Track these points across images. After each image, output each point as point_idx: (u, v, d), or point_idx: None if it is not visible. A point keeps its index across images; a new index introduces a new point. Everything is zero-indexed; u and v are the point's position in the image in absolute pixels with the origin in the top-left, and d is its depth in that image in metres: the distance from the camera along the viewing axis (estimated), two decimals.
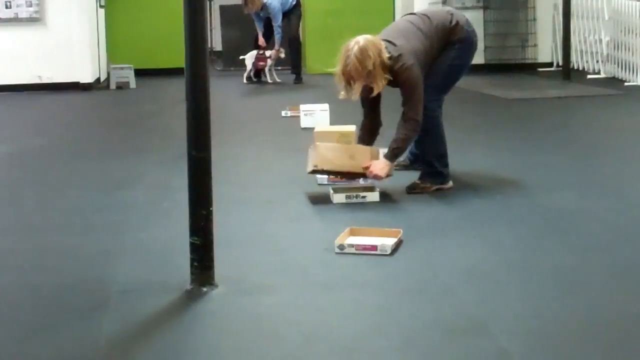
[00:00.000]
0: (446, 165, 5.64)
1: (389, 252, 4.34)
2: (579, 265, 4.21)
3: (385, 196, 5.47)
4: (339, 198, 5.39)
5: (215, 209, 3.91)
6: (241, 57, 12.47)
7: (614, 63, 12.15)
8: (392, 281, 4.04)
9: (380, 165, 5.40)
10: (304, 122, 8.25)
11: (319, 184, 5.84)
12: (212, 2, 14.99)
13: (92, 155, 7.36)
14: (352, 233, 4.62)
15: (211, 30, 14.36)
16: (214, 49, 14.99)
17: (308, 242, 4.63)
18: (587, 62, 12.83)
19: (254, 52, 12.33)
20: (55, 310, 3.73)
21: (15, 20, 11.79)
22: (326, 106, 8.33)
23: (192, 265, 3.89)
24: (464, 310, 3.63)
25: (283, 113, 9.21)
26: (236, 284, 3.96)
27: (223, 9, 14.81)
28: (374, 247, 4.36)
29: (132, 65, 12.35)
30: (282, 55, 12.35)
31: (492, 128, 8.52)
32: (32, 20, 11.81)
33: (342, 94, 5.44)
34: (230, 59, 14.18)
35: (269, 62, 12.34)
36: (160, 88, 12.12)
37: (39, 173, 6.75)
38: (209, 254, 3.89)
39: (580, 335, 3.40)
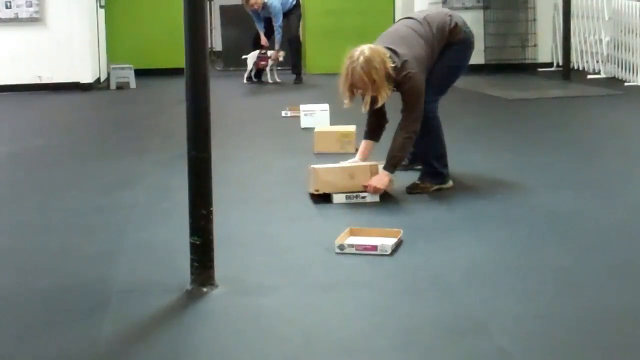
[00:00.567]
0: (445, 165, 5.64)
1: (389, 252, 4.34)
2: (579, 265, 4.21)
3: (385, 196, 5.47)
4: (339, 198, 5.38)
5: (215, 209, 3.91)
6: (243, 56, 12.47)
7: (614, 63, 12.15)
8: (392, 281, 4.04)
9: (378, 178, 5.39)
10: (304, 122, 8.25)
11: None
12: (212, 2, 14.98)
13: (92, 155, 7.36)
14: (352, 233, 4.62)
15: (211, 30, 14.36)
16: (214, 49, 14.98)
17: (308, 242, 4.63)
18: (587, 62, 12.83)
19: (256, 52, 12.33)
20: (55, 310, 3.73)
21: (15, 20, 11.79)
22: (326, 106, 8.33)
23: (192, 265, 3.89)
24: (464, 310, 3.63)
25: (283, 113, 9.21)
26: (236, 284, 3.96)
27: (223, 9, 14.80)
28: (374, 247, 4.36)
29: (132, 65, 12.35)
30: (282, 58, 12.32)
31: (492, 128, 8.52)
32: (32, 20, 11.81)
33: (347, 103, 5.41)
34: (230, 59, 14.18)
35: (270, 62, 12.34)
36: (160, 88, 12.12)
37: (39, 173, 6.75)
38: (209, 254, 3.89)
39: (579, 335, 3.40)
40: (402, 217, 5.10)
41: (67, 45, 11.83)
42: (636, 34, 11.63)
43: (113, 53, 13.29)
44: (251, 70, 12.40)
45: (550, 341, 3.31)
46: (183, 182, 3.92)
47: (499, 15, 13.44)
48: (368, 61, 5.24)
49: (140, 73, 12.50)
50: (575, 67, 12.81)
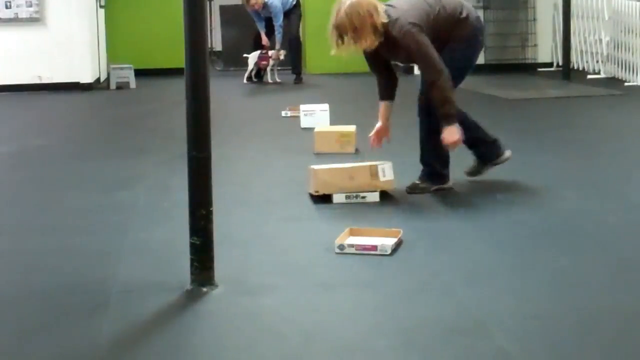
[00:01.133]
0: (446, 165, 5.64)
1: (389, 252, 4.34)
2: (579, 265, 4.21)
3: (385, 196, 5.47)
4: (338, 198, 5.38)
5: (215, 209, 3.91)
6: (244, 55, 12.46)
7: (614, 63, 12.15)
8: (392, 281, 4.04)
9: (447, 134, 5.31)
10: (304, 122, 8.25)
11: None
12: (212, 2, 14.97)
13: (92, 155, 7.36)
14: (352, 233, 4.62)
15: (211, 30, 14.35)
16: (214, 49, 14.98)
17: (308, 242, 4.63)
18: (587, 62, 12.83)
19: (257, 52, 12.32)
20: (55, 310, 3.73)
21: (15, 20, 11.79)
22: (326, 106, 8.33)
23: (192, 265, 3.89)
24: (464, 310, 3.63)
25: (283, 113, 9.21)
26: (236, 284, 3.96)
27: (223, 9, 14.80)
28: (374, 247, 4.36)
29: (132, 65, 12.35)
30: (282, 57, 12.33)
31: (492, 128, 8.47)
32: (32, 20, 11.80)
33: (334, 50, 5.33)
34: (230, 59, 14.17)
35: (271, 61, 12.34)
36: (160, 88, 12.12)
37: (39, 173, 6.74)
38: (209, 254, 3.89)
39: (579, 335, 3.40)
40: (402, 217, 5.09)
41: (67, 45, 11.82)
42: (636, 34, 11.63)
43: (113, 53, 13.29)
44: (252, 70, 12.41)
45: (550, 341, 3.31)
46: (183, 182, 3.92)
47: (499, 15, 13.44)
48: (353, 6, 5.19)
49: (140, 73, 12.50)
50: (575, 67, 12.80)
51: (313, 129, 7.39)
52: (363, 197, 5.39)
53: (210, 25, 14.22)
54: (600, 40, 12.39)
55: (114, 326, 3.53)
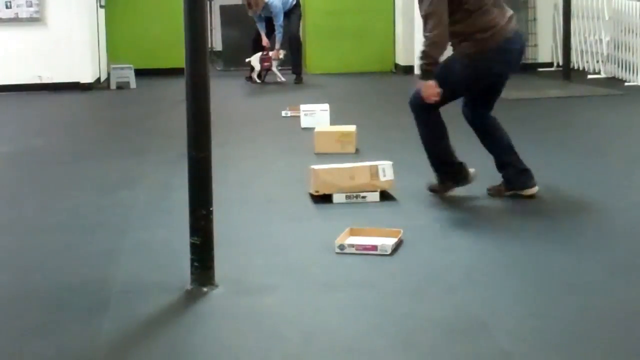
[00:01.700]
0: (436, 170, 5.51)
1: (389, 252, 4.34)
2: (579, 265, 4.22)
3: (385, 196, 5.47)
4: (338, 198, 5.39)
5: (215, 209, 3.91)
6: (247, 59, 12.35)
7: (614, 63, 12.15)
8: (392, 281, 4.04)
9: (424, 88, 5.14)
10: (304, 122, 8.24)
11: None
12: (212, 2, 14.97)
13: (92, 155, 7.36)
14: (352, 233, 4.62)
15: (211, 30, 14.34)
16: (214, 49, 14.97)
17: (308, 242, 4.63)
18: (587, 62, 12.82)
19: (259, 54, 12.27)
20: (56, 310, 3.73)
21: (16, 20, 11.78)
22: (326, 106, 8.33)
23: (192, 265, 3.89)
24: (464, 310, 3.63)
25: (283, 113, 9.21)
26: (236, 284, 3.96)
27: (223, 9, 14.79)
28: (374, 247, 4.36)
29: (132, 65, 12.35)
30: (282, 56, 12.31)
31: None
32: (32, 20, 11.80)
33: None
34: (230, 59, 14.17)
35: (274, 62, 12.27)
36: (160, 88, 12.11)
37: (39, 173, 6.75)
38: (209, 254, 3.89)
39: (580, 335, 3.40)
40: (402, 217, 5.09)
41: (67, 45, 11.82)
42: (636, 34, 11.62)
43: (113, 53, 13.28)
44: (260, 71, 12.26)
45: (550, 341, 3.31)
46: (183, 182, 3.92)
47: None
48: None
49: (140, 73, 12.50)
50: (576, 67, 12.80)
51: (313, 129, 7.39)
52: (363, 197, 5.40)
53: (210, 25, 14.22)
54: (601, 40, 12.38)
55: (114, 326, 3.53)
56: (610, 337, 3.37)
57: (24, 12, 11.80)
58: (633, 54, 11.66)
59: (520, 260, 4.28)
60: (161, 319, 3.64)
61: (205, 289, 3.86)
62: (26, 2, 11.77)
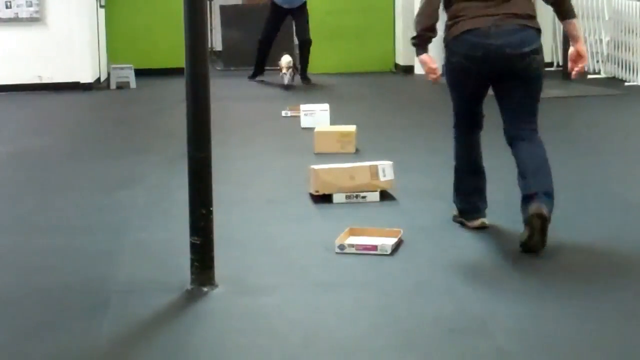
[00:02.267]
0: (459, 200, 4.93)
1: (389, 252, 4.34)
2: (579, 265, 4.21)
3: (385, 196, 5.47)
4: (339, 198, 5.39)
5: (215, 209, 3.91)
6: (278, 62, 11.61)
7: (614, 63, 12.14)
8: (392, 281, 4.04)
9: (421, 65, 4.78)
10: (304, 122, 8.24)
11: None
12: (212, 2, 14.96)
13: (92, 155, 7.36)
14: (352, 233, 4.62)
15: (211, 30, 14.32)
16: (214, 49, 14.96)
17: (308, 242, 4.63)
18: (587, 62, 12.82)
19: (287, 56, 11.55)
20: (56, 310, 3.73)
21: (16, 20, 11.77)
22: (326, 106, 8.32)
23: (192, 265, 3.89)
24: (464, 310, 3.63)
25: (283, 113, 9.20)
26: (236, 284, 3.96)
27: (223, 9, 14.78)
28: (374, 247, 4.36)
29: (132, 65, 12.34)
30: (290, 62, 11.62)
31: (492, 128, 8.49)
32: (32, 20, 11.79)
33: None
34: (230, 59, 14.16)
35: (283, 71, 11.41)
36: (160, 88, 12.11)
37: (39, 173, 6.74)
38: (209, 254, 3.89)
39: (579, 335, 3.40)
40: (402, 217, 5.09)
41: (67, 45, 11.81)
42: (636, 34, 11.62)
43: (113, 53, 13.28)
44: (289, 73, 11.48)
45: (550, 341, 3.31)
46: (183, 182, 3.92)
47: None
48: None
49: (140, 73, 12.49)
50: None
51: (313, 128, 7.39)
52: (363, 197, 5.40)
53: (210, 25, 14.20)
54: (601, 40, 12.38)
55: (114, 326, 3.53)
56: (610, 337, 3.37)
57: (24, 12, 11.80)
58: (633, 54, 11.65)
59: (520, 260, 4.27)
60: (161, 319, 3.64)
61: (205, 289, 3.86)
62: (26, 2, 11.77)
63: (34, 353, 3.32)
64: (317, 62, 13.51)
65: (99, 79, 12.55)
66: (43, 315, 3.68)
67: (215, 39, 14.97)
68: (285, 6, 11.75)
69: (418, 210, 5.26)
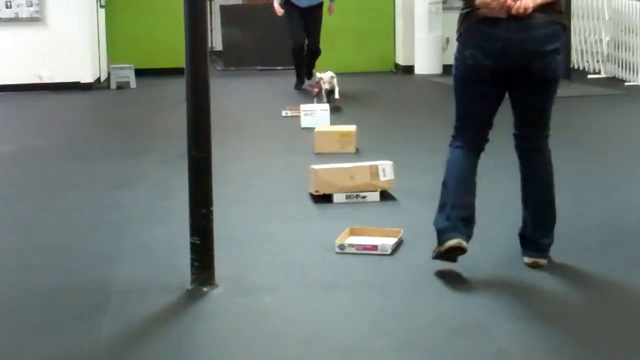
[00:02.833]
0: (446, 217, 4.30)
1: (389, 252, 4.34)
2: (579, 265, 4.21)
3: (385, 196, 5.47)
4: (339, 198, 5.39)
5: (215, 209, 3.91)
6: (318, 74, 11.06)
7: (615, 63, 12.15)
8: (392, 281, 4.04)
9: None
10: (304, 122, 8.24)
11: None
12: (212, 2, 14.96)
13: (92, 155, 7.36)
14: (352, 233, 4.62)
15: (211, 30, 14.32)
16: (214, 49, 14.97)
17: (308, 242, 4.63)
18: (587, 62, 12.83)
19: (329, 72, 10.01)
20: (56, 310, 3.73)
21: (16, 20, 11.78)
22: (326, 106, 8.33)
23: (192, 265, 3.89)
24: (464, 310, 3.63)
25: (283, 113, 9.20)
26: (236, 284, 3.96)
27: (223, 9, 14.78)
28: (374, 247, 4.36)
29: (132, 65, 12.35)
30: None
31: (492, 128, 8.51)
32: (32, 20, 11.80)
33: None
34: (231, 59, 14.16)
35: (323, 86, 9.97)
36: (160, 88, 12.11)
37: (39, 173, 6.75)
38: (209, 254, 3.89)
39: (579, 335, 3.40)
40: (402, 217, 5.09)
41: (67, 45, 11.82)
42: (636, 34, 11.62)
43: (113, 53, 13.28)
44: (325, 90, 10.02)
45: (550, 341, 3.31)
46: (183, 182, 3.92)
47: None
48: None
49: (140, 73, 12.50)
50: (576, 67, 12.80)
51: (313, 128, 7.39)
52: (363, 197, 5.40)
53: (211, 25, 14.20)
54: (601, 40, 12.38)
55: (114, 326, 3.53)
56: (610, 337, 3.37)
57: (24, 12, 11.80)
58: (633, 54, 11.66)
59: (520, 260, 4.27)
60: (161, 319, 3.64)
61: (205, 289, 3.86)
62: (26, 2, 11.77)
63: (34, 353, 3.32)
64: (318, 62, 13.51)
65: (99, 78, 12.55)
66: (43, 315, 3.68)
67: (215, 39, 14.97)
68: (304, 5, 11.10)
69: (418, 210, 5.26)
